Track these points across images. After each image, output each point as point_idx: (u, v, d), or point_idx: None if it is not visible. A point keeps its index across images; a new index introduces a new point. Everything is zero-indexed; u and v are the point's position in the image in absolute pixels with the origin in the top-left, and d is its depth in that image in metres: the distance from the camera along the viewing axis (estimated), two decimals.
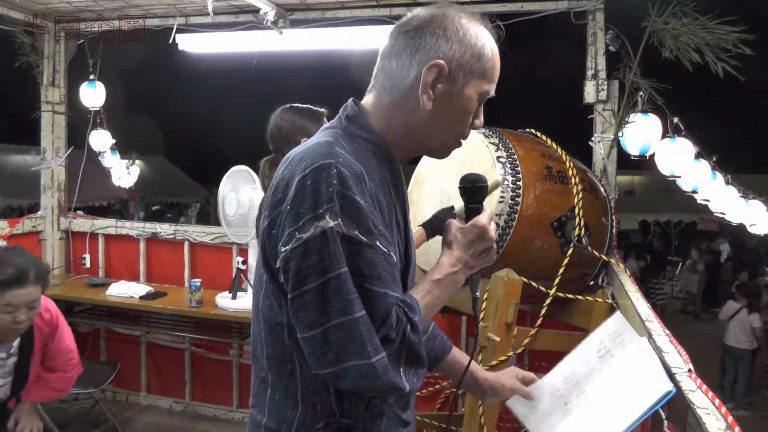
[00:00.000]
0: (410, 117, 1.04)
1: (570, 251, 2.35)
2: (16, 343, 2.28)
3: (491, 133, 2.38)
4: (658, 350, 1.42)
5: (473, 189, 1.10)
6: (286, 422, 1.04)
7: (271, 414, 1.06)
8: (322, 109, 2.29)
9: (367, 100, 1.09)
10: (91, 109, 4.08)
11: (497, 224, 2.19)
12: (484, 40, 1.04)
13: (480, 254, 1.07)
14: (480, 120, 1.08)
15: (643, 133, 2.84)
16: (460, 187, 1.12)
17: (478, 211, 1.09)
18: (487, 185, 1.12)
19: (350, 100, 1.09)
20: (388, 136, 1.06)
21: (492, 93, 1.07)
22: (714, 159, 4.00)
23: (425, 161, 2.52)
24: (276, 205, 0.96)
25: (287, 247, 0.93)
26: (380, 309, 0.93)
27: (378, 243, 0.94)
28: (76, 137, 4.25)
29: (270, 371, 1.07)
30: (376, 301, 0.93)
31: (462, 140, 1.09)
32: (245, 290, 3.33)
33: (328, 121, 2.34)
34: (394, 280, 0.97)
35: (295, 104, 2.30)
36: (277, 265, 0.96)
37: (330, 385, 1.01)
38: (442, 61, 1.00)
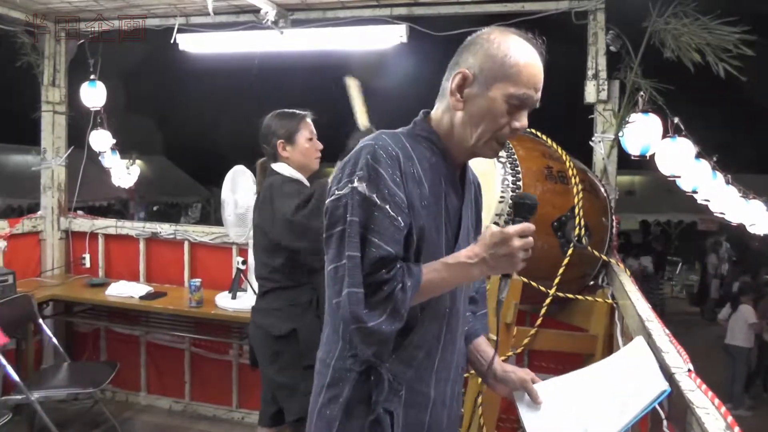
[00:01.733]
0: (453, 118, 1.27)
1: (570, 251, 2.35)
2: None
3: None
4: (657, 350, 1.42)
5: (520, 205, 1.27)
6: (330, 352, 1.29)
7: (324, 347, 1.32)
8: (304, 112, 2.49)
9: (435, 108, 1.33)
10: (91, 108, 4.07)
11: (496, 224, 2.18)
12: (509, 51, 1.21)
13: (500, 257, 1.19)
14: (520, 123, 1.24)
15: (643, 133, 2.83)
16: (512, 200, 1.37)
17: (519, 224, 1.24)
18: (533, 205, 1.27)
19: (421, 111, 1.34)
20: (445, 136, 1.29)
21: (523, 94, 1.21)
22: (714, 159, 3.98)
23: None
24: (333, 178, 1.24)
25: (329, 200, 1.21)
26: (373, 255, 1.14)
27: (388, 207, 1.16)
28: (77, 137, 4.24)
29: (328, 312, 1.31)
30: (371, 248, 1.15)
31: (501, 140, 1.26)
32: (245, 290, 3.33)
33: (312, 121, 2.50)
34: (393, 239, 1.17)
35: (281, 110, 2.49)
36: (325, 215, 1.22)
37: None
38: (465, 70, 1.23)
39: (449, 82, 1.25)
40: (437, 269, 1.20)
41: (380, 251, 1.14)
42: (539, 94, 1.24)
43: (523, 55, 1.21)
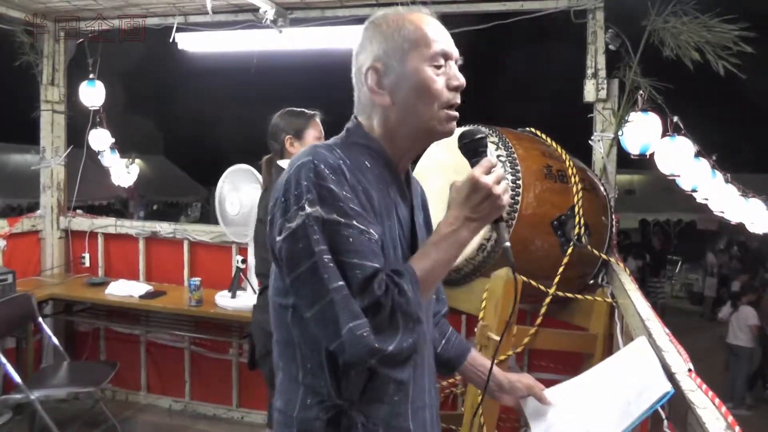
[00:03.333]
0: (386, 119, 1.16)
1: (570, 250, 2.35)
2: None
3: (491, 132, 2.38)
4: (657, 350, 1.42)
5: (470, 143, 1.16)
6: (291, 403, 1.14)
7: (281, 397, 1.17)
8: (314, 111, 2.51)
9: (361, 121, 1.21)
10: (90, 108, 4.08)
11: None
12: (399, 22, 1.15)
13: (479, 205, 1.09)
14: (457, 81, 1.14)
15: (642, 131, 2.83)
16: (459, 147, 1.16)
17: None
18: (482, 138, 1.16)
19: (353, 115, 1.21)
20: (383, 141, 1.16)
21: (441, 50, 1.13)
22: (714, 158, 3.98)
23: (424, 162, 2.51)
24: (274, 204, 1.09)
25: (280, 237, 1.05)
26: (357, 278, 1.01)
27: (355, 222, 1.03)
28: (76, 136, 4.24)
29: (280, 357, 1.18)
30: (353, 271, 1.01)
31: (450, 108, 1.14)
32: (245, 289, 3.33)
33: (320, 120, 2.49)
34: (373, 252, 1.04)
35: (290, 108, 2.52)
36: (276, 255, 1.08)
37: (325, 366, 1.08)
38: (372, 64, 1.14)
39: (364, 86, 1.16)
40: (426, 254, 1.10)
41: (364, 271, 1.01)
42: (454, 47, 1.16)
43: (414, 17, 1.15)
